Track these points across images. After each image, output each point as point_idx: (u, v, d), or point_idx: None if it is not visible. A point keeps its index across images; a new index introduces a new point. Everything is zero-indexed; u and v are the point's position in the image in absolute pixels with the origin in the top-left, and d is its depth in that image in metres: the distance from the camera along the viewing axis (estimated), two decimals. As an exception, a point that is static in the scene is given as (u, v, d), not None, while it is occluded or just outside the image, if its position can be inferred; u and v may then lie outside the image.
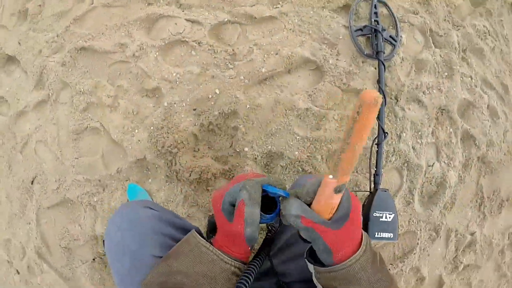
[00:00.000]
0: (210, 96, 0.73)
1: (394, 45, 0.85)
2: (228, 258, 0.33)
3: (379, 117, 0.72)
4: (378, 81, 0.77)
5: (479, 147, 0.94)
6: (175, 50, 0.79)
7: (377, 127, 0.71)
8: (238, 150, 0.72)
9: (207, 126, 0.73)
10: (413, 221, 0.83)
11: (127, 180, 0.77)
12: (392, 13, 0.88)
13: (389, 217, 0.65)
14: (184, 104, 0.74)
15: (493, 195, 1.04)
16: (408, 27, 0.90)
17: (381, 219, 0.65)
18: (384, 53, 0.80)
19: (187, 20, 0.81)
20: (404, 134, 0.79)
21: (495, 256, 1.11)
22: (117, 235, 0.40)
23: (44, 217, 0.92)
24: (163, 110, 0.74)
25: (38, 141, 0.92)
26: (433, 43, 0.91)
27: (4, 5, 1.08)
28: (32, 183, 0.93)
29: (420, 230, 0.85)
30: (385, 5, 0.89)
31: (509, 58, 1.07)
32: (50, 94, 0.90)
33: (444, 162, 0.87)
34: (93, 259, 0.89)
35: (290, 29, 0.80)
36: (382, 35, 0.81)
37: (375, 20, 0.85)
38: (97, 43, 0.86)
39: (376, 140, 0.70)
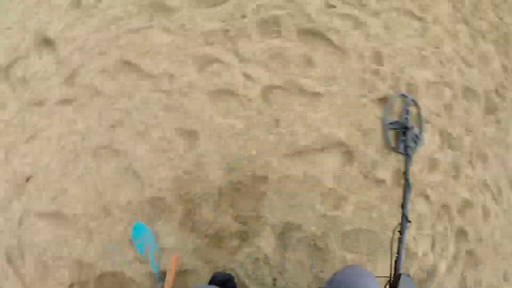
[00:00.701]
0: (246, 155, 0.74)
1: (416, 143, 0.94)
2: None
3: (403, 206, 0.77)
4: (404, 173, 0.83)
5: (469, 242, 1.02)
6: (223, 98, 0.80)
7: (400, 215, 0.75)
8: (259, 215, 0.73)
9: (235, 183, 0.73)
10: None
11: (134, 215, 0.74)
12: (421, 115, 0.98)
13: None
14: (218, 155, 0.74)
15: (474, 286, 1.09)
16: (430, 127, 0.99)
17: None
18: (411, 148, 0.88)
19: (243, 73, 0.83)
20: (409, 225, 0.85)
21: None
22: None
23: (29, 223, 0.84)
24: (196, 156, 0.73)
25: (48, 140, 0.85)
26: (448, 145, 1.00)
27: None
28: (27, 181, 0.86)
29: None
30: (416, 105, 0.99)
31: (508, 164, 1.18)
32: (78, 95, 0.86)
33: (437, 252, 0.94)
34: (71, 285, 0.81)
35: (333, 110, 0.85)
36: (410, 132, 0.89)
37: (406, 117, 0.94)
38: (144, 62, 0.85)
39: (399, 227, 0.74)
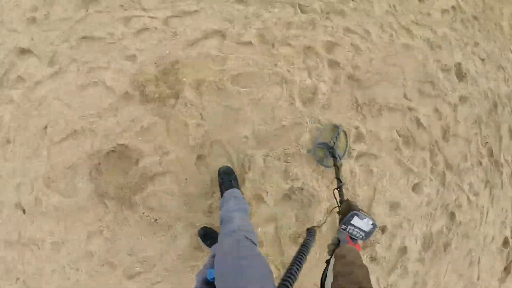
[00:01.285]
0: (164, 55, 1.27)
1: (339, 157, 1.25)
2: None
3: (337, 176, 1.07)
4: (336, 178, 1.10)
5: (344, 69, 1.32)
6: (143, 34, 1.35)
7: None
8: (179, 79, 1.25)
9: (162, 70, 1.25)
10: (298, 115, 1.31)
11: (116, 110, 1.24)
12: (347, 142, 1.28)
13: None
14: (149, 60, 1.27)
15: (369, 102, 1.31)
16: (280, 4, 1.38)
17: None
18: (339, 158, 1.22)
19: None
20: (280, 63, 1.32)
21: (392, 151, 1.33)
22: None
23: (54, 150, 1.31)
24: (137, 65, 1.26)
25: (52, 99, 1.35)
26: (300, 10, 1.38)
27: (12, 16, 1.55)
28: (45, 128, 1.34)
29: (307, 122, 1.29)
30: (345, 134, 1.30)
31: (373, 13, 1.44)
32: (60, 67, 1.37)
33: (315, 78, 1.29)
34: (90, 171, 1.27)
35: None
36: (333, 150, 1.25)
37: (333, 142, 1.27)
38: (95, 33, 1.39)
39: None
